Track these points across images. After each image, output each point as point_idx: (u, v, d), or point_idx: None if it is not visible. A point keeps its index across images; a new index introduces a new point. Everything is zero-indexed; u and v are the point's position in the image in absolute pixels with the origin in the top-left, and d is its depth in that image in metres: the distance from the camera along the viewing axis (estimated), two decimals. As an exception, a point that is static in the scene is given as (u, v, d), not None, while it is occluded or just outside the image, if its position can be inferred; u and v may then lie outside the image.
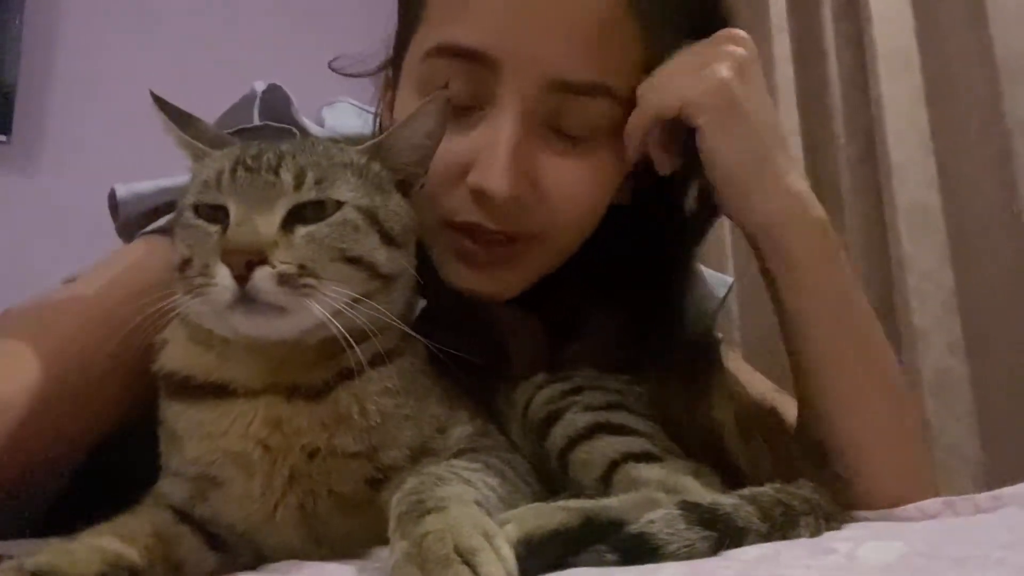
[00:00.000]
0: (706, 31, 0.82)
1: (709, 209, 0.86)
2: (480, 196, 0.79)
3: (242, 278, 0.60)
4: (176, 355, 0.69)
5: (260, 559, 0.68)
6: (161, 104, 0.71)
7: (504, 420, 0.78)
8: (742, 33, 0.81)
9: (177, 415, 0.68)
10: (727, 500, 0.62)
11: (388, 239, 0.68)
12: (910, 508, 0.73)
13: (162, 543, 0.62)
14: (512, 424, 0.77)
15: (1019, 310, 1.66)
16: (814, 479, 0.69)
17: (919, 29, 1.87)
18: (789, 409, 0.83)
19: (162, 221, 0.88)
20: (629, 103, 0.81)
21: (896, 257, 1.79)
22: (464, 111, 0.80)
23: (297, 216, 0.64)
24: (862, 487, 0.74)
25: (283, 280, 0.61)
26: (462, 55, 0.78)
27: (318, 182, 0.65)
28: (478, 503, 0.58)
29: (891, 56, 1.86)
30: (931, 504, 0.73)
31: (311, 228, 0.64)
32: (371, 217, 0.67)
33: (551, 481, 0.73)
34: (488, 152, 0.78)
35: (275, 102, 0.94)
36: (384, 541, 0.66)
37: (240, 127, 0.89)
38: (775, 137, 0.80)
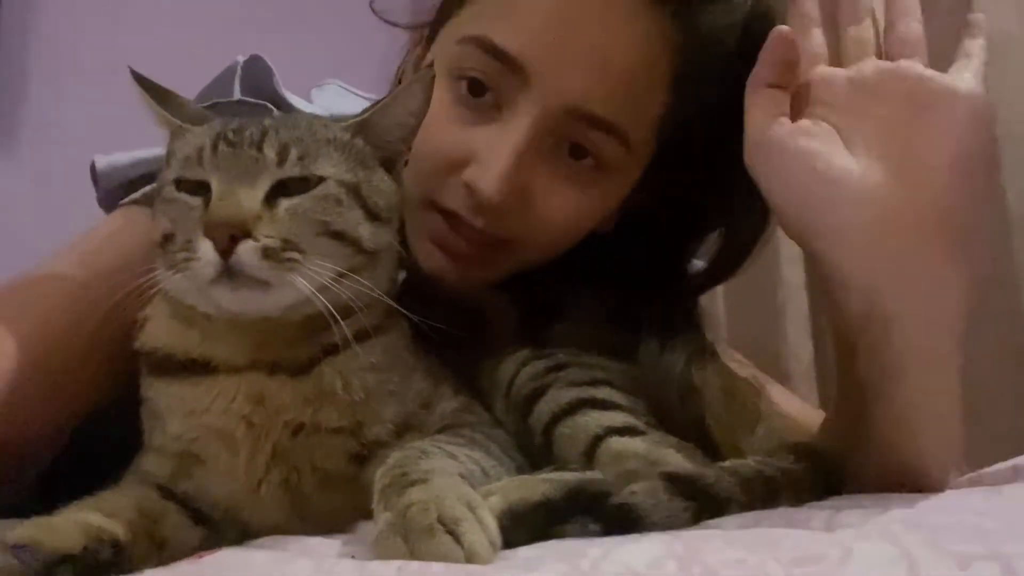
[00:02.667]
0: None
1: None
2: (472, 192, 0.80)
3: (226, 252, 0.60)
4: (158, 332, 0.69)
5: (244, 535, 0.68)
6: (140, 80, 0.71)
7: (487, 396, 0.78)
8: None
9: (159, 392, 0.68)
10: (708, 471, 0.63)
11: (372, 214, 0.68)
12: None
13: (146, 519, 0.62)
14: (496, 400, 0.78)
15: (1002, 289, 1.66)
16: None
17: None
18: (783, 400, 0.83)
19: (138, 194, 0.88)
20: (635, 151, 0.83)
21: None
22: (480, 103, 0.81)
23: (280, 191, 0.64)
24: (913, 474, 0.69)
25: (267, 254, 0.61)
26: (497, 55, 0.79)
27: (301, 158, 0.65)
28: (462, 476, 0.59)
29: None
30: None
31: (294, 201, 0.64)
32: (354, 192, 0.67)
33: (535, 457, 0.73)
34: (491, 154, 0.79)
35: (257, 74, 0.94)
36: (368, 516, 0.67)
37: (215, 101, 0.89)
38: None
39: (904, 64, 0.67)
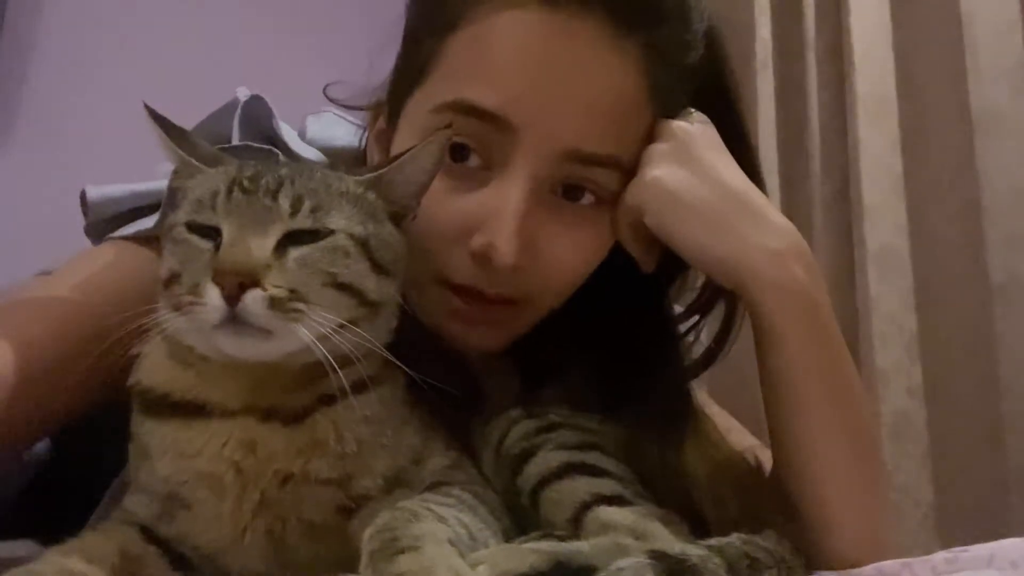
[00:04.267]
0: (709, 99, 0.85)
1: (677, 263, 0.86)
2: (483, 260, 0.78)
3: (232, 299, 0.60)
4: (154, 371, 0.69)
5: (223, 582, 0.68)
6: (156, 117, 0.71)
7: (476, 452, 0.78)
8: (672, 123, 0.82)
9: (150, 432, 0.67)
10: (695, 551, 0.63)
11: (378, 267, 0.68)
12: (869, 569, 0.73)
13: (128, 563, 0.62)
14: (485, 457, 0.78)
15: (978, 358, 1.70)
16: (783, 532, 0.71)
17: (899, 77, 1.91)
18: (766, 458, 0.84)
19: (130, 228, 0.87)
20: (631, 173, 0.82)
21: (862, 298, 1.82)
22: (466, 169, 0.80)
23: (289, 240, 0.64)
24: (827, 547, 0.75)
25: (273, 304, 0.61)
26: (478, 115, 0.78)
27: (314, 210, 0.65)
28: (451, 542, 0.59)
29: (870, 101, 1.89)
30: (890, 565, 0.74)
31: (303, 251, 0.64)
32: (363, 245, 0.67)
33: (521, 516, 0.73)
34: (496, 218, 0.78)
35: (256, 113, 0.93)
36: (349, 568, 0.67)
37: (221, 146, 0.88)
38: (728, 204, 0.79)
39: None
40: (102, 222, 0.89)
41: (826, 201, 1.95)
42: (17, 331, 0.77)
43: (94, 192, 0.90)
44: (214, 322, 0.61)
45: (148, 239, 0.84)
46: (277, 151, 0.87)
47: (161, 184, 0.86)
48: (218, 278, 0.60)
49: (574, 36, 0.77)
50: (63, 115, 2.11)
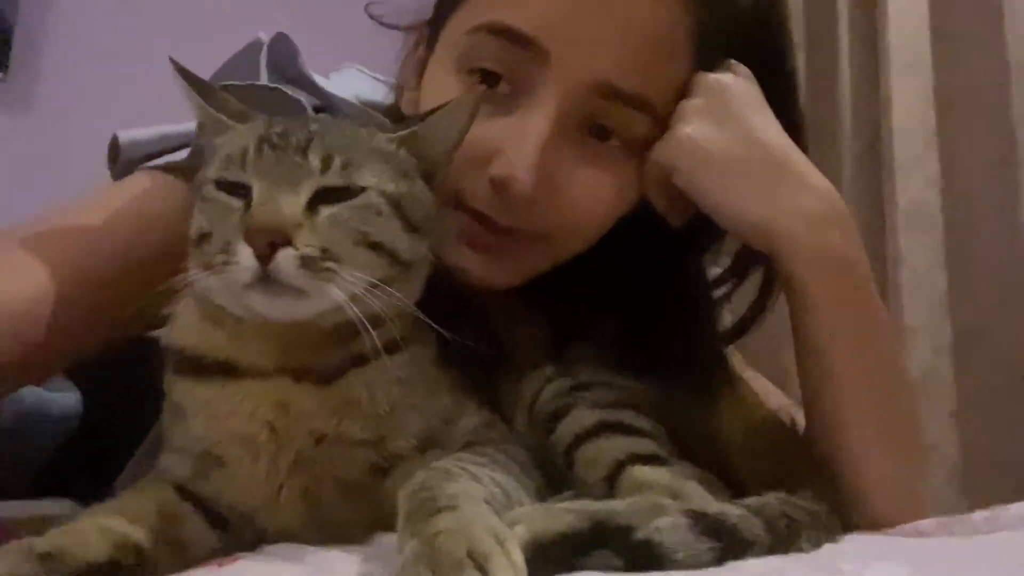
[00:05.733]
0: (758, 55, 0.82)
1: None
2: (498, 187, 0.77)
3: (265, 258, 0.59)
4: (186, 331, 0.68)
5: (259, 540, 0.68)
6: (183, 73, 0.69)
7: (508, 410, 0.78)
8: (709, 76, 0.79)
9: (184, 392, 0.67)
10: (734, 510, 0.62)
11: (410, 226, 0.67)
12: (907, 527, 0.73)
13: (166, 522, 0.62)
14: (517, 414, 0.77)
15: (1007, 315, 1.68)
16: (819, 493, 0.70)
17: (934, 27, 1.85)
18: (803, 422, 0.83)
19: (163, 160, 0.87)
20: (663, 125, 0.79)
21: (892, 254, 1.80)
22: (495, 95, 0.78)
23: (320, 198, 0.63)
24: (863, 507, 0.74)
25: (305, 263, 0.60)
26: (512, 38, 0.76)
27: (345, 166, 0.64)
28: (487, 501, 0.58)
29: (903, 52, 1.85)
30: (927, 524, 0.73)
31: (334, 210, 0.63)
32: (395, 203, 0.66)
33: (553, 474, 0.73)
34: (517, 145, 0.76)
35: (282, 53, 0.91)
36: (384, 527, 0.67)
37: (251, 83, 0.86)
38: (765, 164, 0.76)
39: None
40: (132, 163, 0.89)
41: (856, 156, 1.91)
42: (49, 257, 0.78)
43: (125, 136, 0.89)
44: (245, 281, 0.60)
45: (178, 169, 0.84)
46: (305, 104, 0.85)
47: (187, 127, 0.85)
48: (249, 237, 0.59)
49: None
50: (81, 79, 2.10)
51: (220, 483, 0.66)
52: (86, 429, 0.94)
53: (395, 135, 0.69)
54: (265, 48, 0.91)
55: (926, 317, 1.76)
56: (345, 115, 0.88)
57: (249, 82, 0.87)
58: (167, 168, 0.86)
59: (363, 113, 0.89)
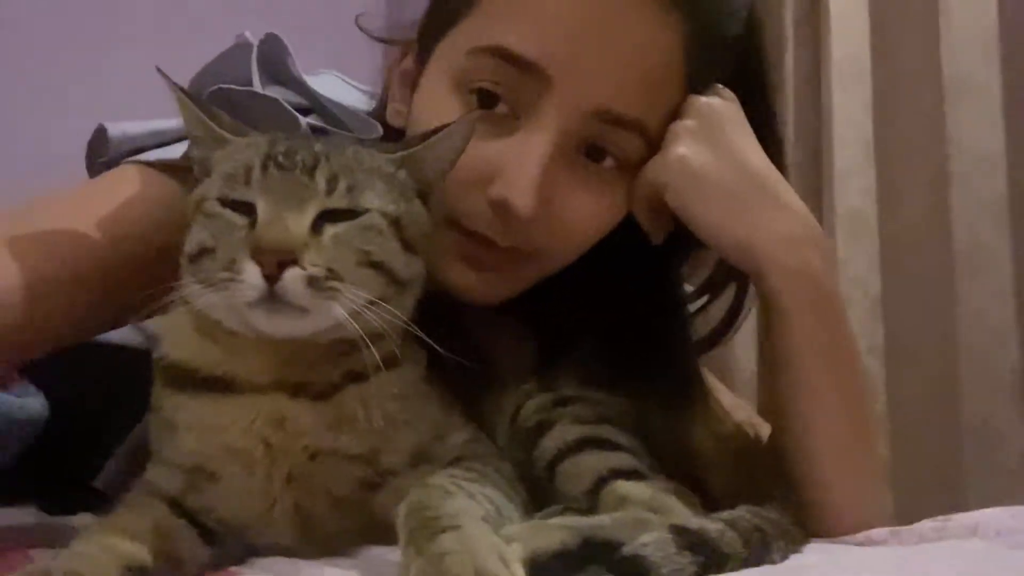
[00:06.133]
0: (743, 81, 0.85)
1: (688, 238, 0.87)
2: (499, 209, 0.78)
3: (272, 278, 0.60)
4: (180, 345, 0.69)
5: (249, 554, 0.69)
6: (175, 86, 0.69)
7: (489, 423, 0.80)
8: (700, 100, 0.82)
9: (176, 406, 0.68)
10: (712, 525, 0.65)
11: (408, 246, 0.68)
12: (859, 536, 0.77)
13: (162, 539, 0.62)
14: (498, 429, 0.79)
15: (938, 321, 1.76)
16: (783, 503, 0.74)
17: (873, 40, 1.93)
18: (765, 434, 0.87)
19: (150, 155, 0.86)
20: (654, 146, 0.82)
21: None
22: (493, 115, 0.79)
23: (323, 217, 0.64)
24: (822, 517, 0.78)
25: (311, 282, 0.61)
26: (514, 62, 0.77)
27: (350, 189, 0.65)
28: (484, 519, 0.61)
29: (844, 63, 1.91)
30: (878, 533, 0.78)
31: (338, 229, 0.64)
32: (395, 224, 0.67)
33: (534, 486, 0.75)
34: (517, 167, 0.77)
35: (274, 53, 0.90)
36: (372, 540, 0.69)
37: (251, 90, 0.86)
38: (749, 187, 0.80)
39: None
40: (117, 158, 0.88)
41: (798, 164, 1.97)
42: (26, 250, 0.77)
43: (115, 129, 0.88)
44: (250, 299, 0.61)
45: (168, 168, 0.83)
46: (302, 121, 0.85)
47: (179, 123, 0.84)
48: (257, 255, 0.60)
49: None
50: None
51: (212, 497, 0.67)
52: (50, 434, 0.92)
53: (395, 155, 0.70)
54: (255, 51, 0.89)
55: (861, 320, 1.84)
56: (336, 118, 0.88)
57: (248, 89, 0.86)
58: (160, 166, 0.85)
59: (353, 116, 0.89)
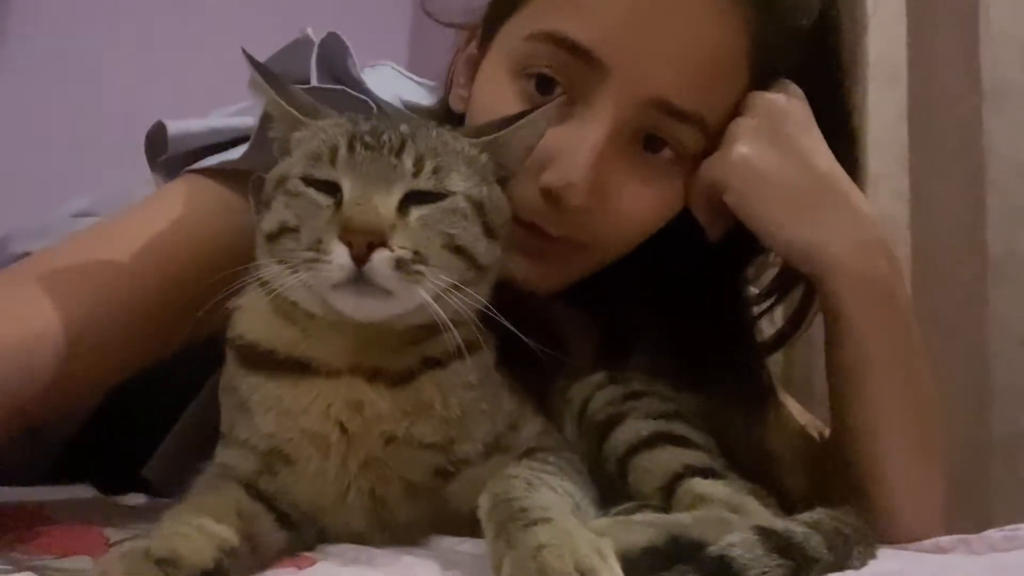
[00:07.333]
0: (813, 74, 0.83)
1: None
2: (550, 197, 0.77)
3: (360, 259, 0.58)
4: (256, 326, 0.67)
5: (321, 540, 0.67)
6: (256, 65, 0.68)
7: (556, 416, 0.79)
8: (764, 96, 0.81)
9: (253, 387, 0.66)
10: (798, 528, 0.64)
11: (488, 231, 0.67)
12: (927, 543, 0.76)
13: (244, 520, 0.61)
14: (566, 421, 0.78)
15: (970, 329, 1.75)
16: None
17: (911, 43, 1.91)
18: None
19: (212, 160, 0.84)
20: (714, 139, 0.80)
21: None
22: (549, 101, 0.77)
23: (409, 199, 0.63)
24: (890, 523, 0.77)
25: (399, 265, 0.59)
26: (571, 49, 0.76)
27: (436, 171, 0.64)
28: (572, 513, 0.59)
29: (881, 66, 1.90)
30: (947, 540, 0.77)
31: (424, 211, 0.63)
32: (478, 208, 0.66)
33: (601, 480, 0.74)
34: (570, 155, 0.76)
35: (334, 53, 0.89)
36: (442, 530, 0.68)
37: (314, 86, 0.84)
38: (814, 189, 0.78)
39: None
40: (179, 157, 0.86)
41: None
42: (73, 288, 0.73)
43: (175, 127, 0.86)
44: (336, 280, 0.59)
45: (229, 174, 0.81)
46: (372, 103, 0.84)
47: (239, 122, 0.82)
48: (346, 236, 0.59)
49: None
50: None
51: (287, 481, 0.66)
52: (103, 414, 0.91)
53: (478, 140, 0.69)
54: (316, 48, 0.88)
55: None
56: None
57: (311, 85, 0.84)
58: (220, 170, 0.83)
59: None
